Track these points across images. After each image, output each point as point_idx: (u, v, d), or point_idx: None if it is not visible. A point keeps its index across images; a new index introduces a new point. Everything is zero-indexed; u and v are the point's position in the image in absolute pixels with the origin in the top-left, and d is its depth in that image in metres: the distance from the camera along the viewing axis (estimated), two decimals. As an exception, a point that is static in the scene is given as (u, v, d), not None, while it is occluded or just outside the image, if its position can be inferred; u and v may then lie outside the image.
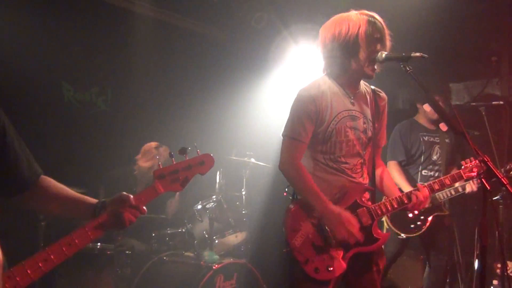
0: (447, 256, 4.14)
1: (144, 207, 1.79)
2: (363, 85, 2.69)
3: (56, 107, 4.52)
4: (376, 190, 2.68)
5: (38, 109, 4.36)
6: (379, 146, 2.77)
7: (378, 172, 2.75)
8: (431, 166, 4.17)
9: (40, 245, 3.62)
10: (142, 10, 5.08)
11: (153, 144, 4.65)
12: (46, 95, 4.42)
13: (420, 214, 3.95)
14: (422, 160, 4.18)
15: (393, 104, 5.75)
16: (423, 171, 4.18)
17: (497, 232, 3.18)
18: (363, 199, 2.57)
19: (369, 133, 2.61)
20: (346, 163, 2.56)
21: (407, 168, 4.22)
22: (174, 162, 1.90)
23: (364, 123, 2.60)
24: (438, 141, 4.17)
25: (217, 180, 4.64)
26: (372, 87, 2.74)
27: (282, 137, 2.57)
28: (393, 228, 4.01)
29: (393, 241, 4.05)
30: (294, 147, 2.54)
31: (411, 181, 4.10)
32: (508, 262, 3.55)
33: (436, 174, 4.12)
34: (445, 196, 3.92)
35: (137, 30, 5.04)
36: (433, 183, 2.63)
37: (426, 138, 4.21)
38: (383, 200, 2.60)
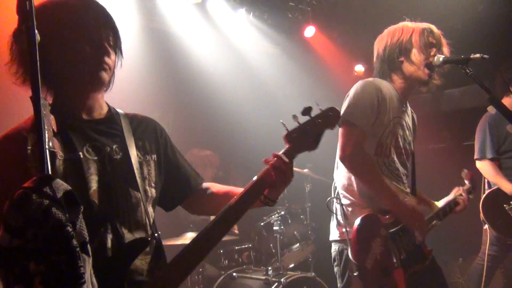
0: None
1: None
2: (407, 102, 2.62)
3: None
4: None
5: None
6: None
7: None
8: None
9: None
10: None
11: (207, 152, 4.80)
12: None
13: None
14: None
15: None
16: None
17: None
18: None
19: (412, 147, 2.56)
20: (398, 169, 2.47)
21: (503, 164, 3.84)
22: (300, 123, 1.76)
23: (409, 135, 2.55)
24: None
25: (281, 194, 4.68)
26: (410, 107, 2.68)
27: (342, 123, 2.33)
28: (501, 235, 3.72)
29: (498, 247, 3.79)
30: (357, 134, 2.30)
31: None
32: None
33: None
34: None
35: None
36: None
37: None
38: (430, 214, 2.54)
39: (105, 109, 1.69)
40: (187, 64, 5.17)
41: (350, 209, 2.42)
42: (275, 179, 1.65)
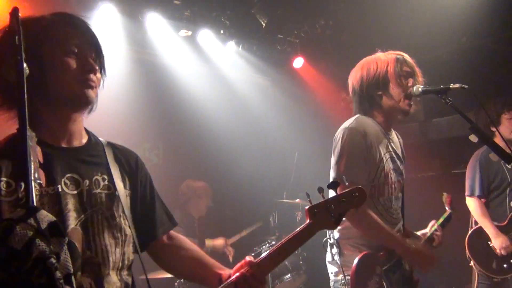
0: None
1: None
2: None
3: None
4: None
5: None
6: None
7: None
8: None
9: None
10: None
11: (200, 183, 4.80)
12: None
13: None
14: (508, 191, 3.79)
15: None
16: (511, 203, 3.78)
17: None
18: None
19: (403, 177, 2.56)
20: (391, 207, 2.46)
21: (493, 201, 3.87)
22: (324, 198, 1.72)
23: (400, 164, 2.54)
24: None
25: (271, 224, 4.67)
26: (394, 131, 2.68)
27: (339, 182, 2.42)
28: (485, 272, 3.70)
29: (487, 284, 3.73)
30: None
31: (499, 216, 3.78)
32: None
33: None
34: None
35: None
36: None
37: (510, 166, 3.78)
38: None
39: (85, 137, 1.59)
40: (177, 95, 5.21)
41: (347, 249, 2.43)
42: None
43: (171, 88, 5.23)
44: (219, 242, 4.56)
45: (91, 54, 1.51)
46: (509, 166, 3.83)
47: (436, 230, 2.65)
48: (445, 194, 3.05)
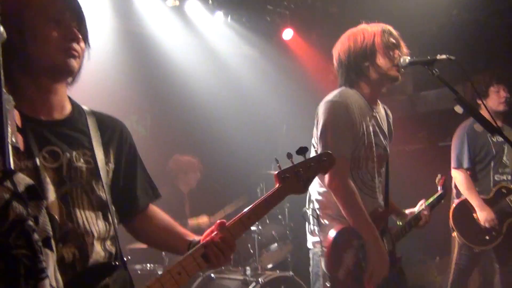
0: None
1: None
2: (379, 102, 2.63)
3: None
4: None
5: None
6: None
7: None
8: (502, 169, 3.86)
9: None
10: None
11: (188, 157, 4.80)
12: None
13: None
14: (493, 164, 3.86)
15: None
16: (495, 176, 3.85)
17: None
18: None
19: (388, 151, 2.56)
20: (372, 180, 2.47)
21: (477, 174, 3.92)
22: (293, 163, 1.74)
23: (384, 139, 2.54)
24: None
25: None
26: (383, 105, 2.67)
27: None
28: (467, 243, 3.79)
29: (466, 255, 3.85)
30: (343, 165, 2.31)
31: (483, 189, 3.85)
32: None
33: (509, 177, 3.84)
34: None
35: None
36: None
37: (495, 139, 3.85)
38: (399, 223, 2.59)
39: (68, 108, 1.54)
40: (164, 66, 5.16)
41: (325, 220, 2.45)
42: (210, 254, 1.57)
43: (158, 60, 5.17)
44: (203, 220, 4.59)
45: (73, 23, 1.46)
46: (494, 140, 3.88)
47: (424, 209, 2.68)
48: (439, 175, 3.07)
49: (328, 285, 2.31)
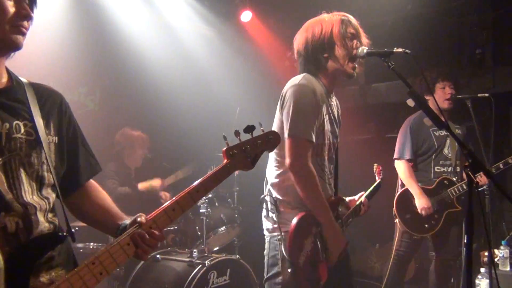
0: (456, 251, 4.09)
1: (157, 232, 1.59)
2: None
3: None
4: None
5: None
6: None
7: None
8: (442, 161, 4.04)
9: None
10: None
11: (137, 132, 4.70)
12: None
13: (434, 212, 3.89)
14: (434, 156, 4.04)
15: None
16: (435, 168, 4.04)
17: (483, 222, 3.22)
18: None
19: (338, 139, 2.62)
20: (327, 167, 2.52)
21: (418, 165, 4.10)
22: (240, 141, 1.80)
23: (336, 127, 2.59)
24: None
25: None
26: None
27: (289, 136, 2.36)
28: (407, 230, 3.96)
29: (406, 242, 4.04)
30: (303, 148, 2.34)
31: (424, 179, 4.03)
32: (495, 250, 3.63)
33: (449, 169, 4.02)
34: (457, 192, 3.88)
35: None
36: None
37: (437, 133, 4.05)
38: (348, 211, 2.64)
39: (5, 78, 1.51)
40: (117, 39, 4.96)
41: (283, 206, 2.46)
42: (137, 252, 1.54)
43: (112, 33, 4.95)
44: (156, 182, 4.52)
45: None
46: (437, 133, 4.06)
47: (362, 202, 2.74)
48: (375, 165, 3.21)
49: (290, 271, 2.34)
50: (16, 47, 1.45)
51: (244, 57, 5.94)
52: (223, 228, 4.47)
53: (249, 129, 1.82)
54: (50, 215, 1.51)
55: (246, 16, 5.62)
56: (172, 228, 4.39)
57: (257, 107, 5.27)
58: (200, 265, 3.74)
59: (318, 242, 2.39)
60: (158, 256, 3.97)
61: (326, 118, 2.49)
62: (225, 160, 1.76)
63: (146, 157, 4.81)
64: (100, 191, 1.79)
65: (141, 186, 4.48)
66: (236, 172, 4.92)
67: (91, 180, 1.77)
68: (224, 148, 1.78)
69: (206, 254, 3.97)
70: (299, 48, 2.53)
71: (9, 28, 1.40)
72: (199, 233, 4.24)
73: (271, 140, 1.89)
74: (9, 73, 1.54)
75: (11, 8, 1.40)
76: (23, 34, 1.44)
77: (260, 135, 1.85)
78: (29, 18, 1.44)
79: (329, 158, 2.54)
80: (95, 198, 1.75)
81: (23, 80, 1.57)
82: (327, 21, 2.46)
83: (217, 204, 4.47)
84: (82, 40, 4.72)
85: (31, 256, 1.39)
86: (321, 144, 2.47)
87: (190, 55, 5.59)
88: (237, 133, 1.80)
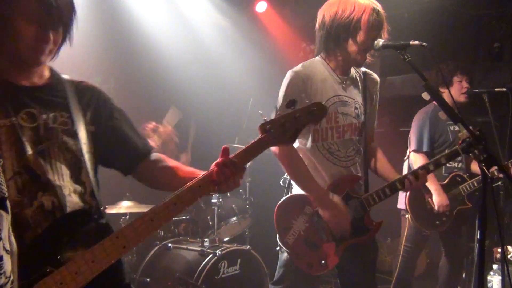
0: (467, 248, 4.03)
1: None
2: (353, 69, 2.65)
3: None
4: (367, 178, 2.65)
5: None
6: (372, 130, 2.76)
7: (373, 156, 2.72)
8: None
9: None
10: None
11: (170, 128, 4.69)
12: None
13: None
14: (447, 151, 3.93)
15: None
16: (447, 163, 4.00)
17: (497, 218, 3.18)
18: (355, 188, 2.54)
19: (362, 118, 2.59)
20: (339, 150, 2.52)
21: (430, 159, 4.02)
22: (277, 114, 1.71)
23: (356, 108, 2.56)
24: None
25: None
26: (363, 69, 2.69)
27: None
28: (419, 225, 3.90)
29: (415, 237, 3.98)
30: None
31: (435, 173, 3.76)
32: (508, 247, 3.58)
33: (459, 165, 3.97)
34: (469, 189, 3.82)
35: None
36: (428, 164, 2.63)
37: (452, 128, 3.97)
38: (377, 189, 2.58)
39: (47, 74, 1.66)
40: (132, 28, 4.98)
41: (295, 188, 2.54)
42: (216, 180, 1.62)
43: (126, 22, 4.97)
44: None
45: (51, 25, 1.54)
46: (452, 128, 4.00)
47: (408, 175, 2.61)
48: None
49: (277, 249, 2.46)
50: (38, 63, 1.58)
51: (259, 48, 5.92)
52: (235, 218, 4.49)
53: (292, 103, 1.71)
54: (87, 197, 1.61)
55: (261, 6, 5.61)
56: (183, 217, 4.42)
57: (270, 98, 5.25)
58: (211, 255, 3.77)
59: (316, 221, 2.40)
60: (169, 244, 4.00)
61: (334, 100, 2.49)
62: (260, 135, 1.69)
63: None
64: (166, 159, 1.88)
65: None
66: (248, 163, 4.94)
67: (154, 154, 1.87)
68: (260, 124, 1.71)
69: (217, 244, 4.00)
70: (325, 20, 2.49)
71: (28, 49, 1.52)
72: (210, 223, 4.26)
73: (314, 112, 1.70)
74: (51, 71, 1.68)
75: (28, 32, 1.49)
76: (43, 54, 1.55)
77: (299, 108, 1.70)
78: (46, 42, 1.54)
79: (343, 141, 2.52)
80: (164, 162, 1.85)
81: (65, 77, 1.72)
82: (361, 4, 2.43)
83: (228, 195, 4.48)
84: (98, 29, 4.74)
85: (64, 232, 1.49)
86: (325, 127, 2.47)
87: (204, 45, 5.59)
88: (290, 104, 1.72)
